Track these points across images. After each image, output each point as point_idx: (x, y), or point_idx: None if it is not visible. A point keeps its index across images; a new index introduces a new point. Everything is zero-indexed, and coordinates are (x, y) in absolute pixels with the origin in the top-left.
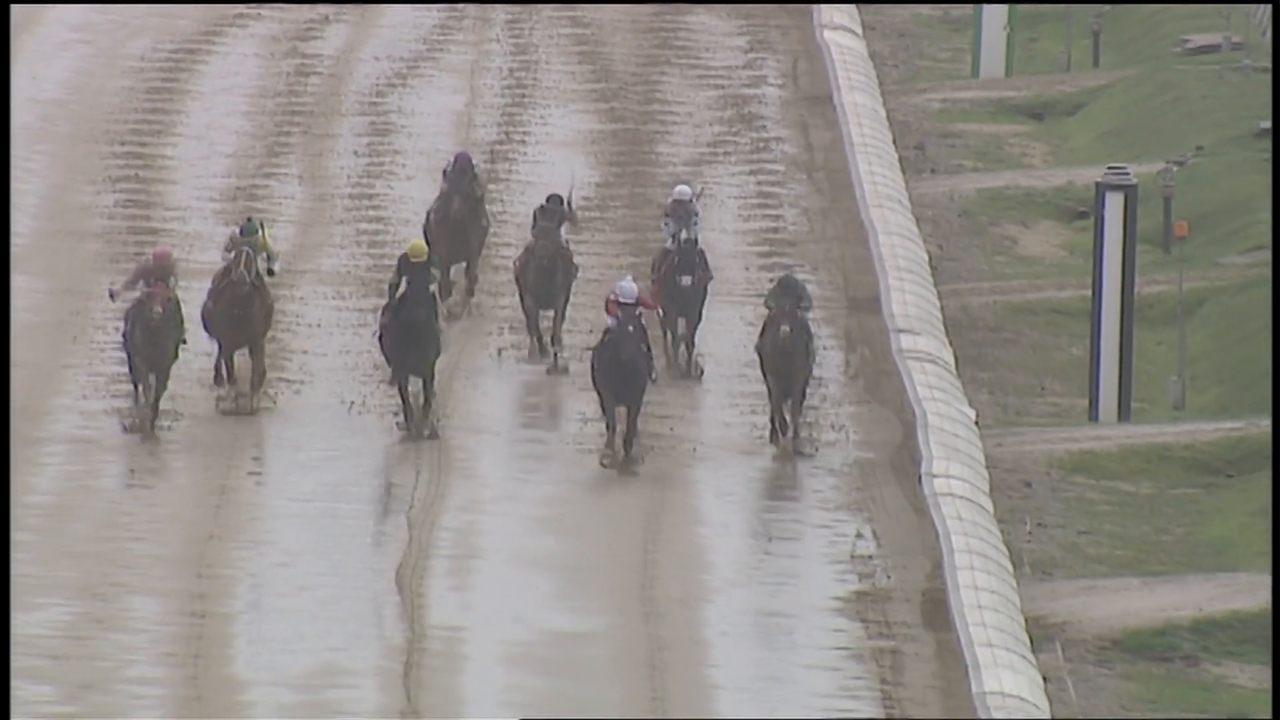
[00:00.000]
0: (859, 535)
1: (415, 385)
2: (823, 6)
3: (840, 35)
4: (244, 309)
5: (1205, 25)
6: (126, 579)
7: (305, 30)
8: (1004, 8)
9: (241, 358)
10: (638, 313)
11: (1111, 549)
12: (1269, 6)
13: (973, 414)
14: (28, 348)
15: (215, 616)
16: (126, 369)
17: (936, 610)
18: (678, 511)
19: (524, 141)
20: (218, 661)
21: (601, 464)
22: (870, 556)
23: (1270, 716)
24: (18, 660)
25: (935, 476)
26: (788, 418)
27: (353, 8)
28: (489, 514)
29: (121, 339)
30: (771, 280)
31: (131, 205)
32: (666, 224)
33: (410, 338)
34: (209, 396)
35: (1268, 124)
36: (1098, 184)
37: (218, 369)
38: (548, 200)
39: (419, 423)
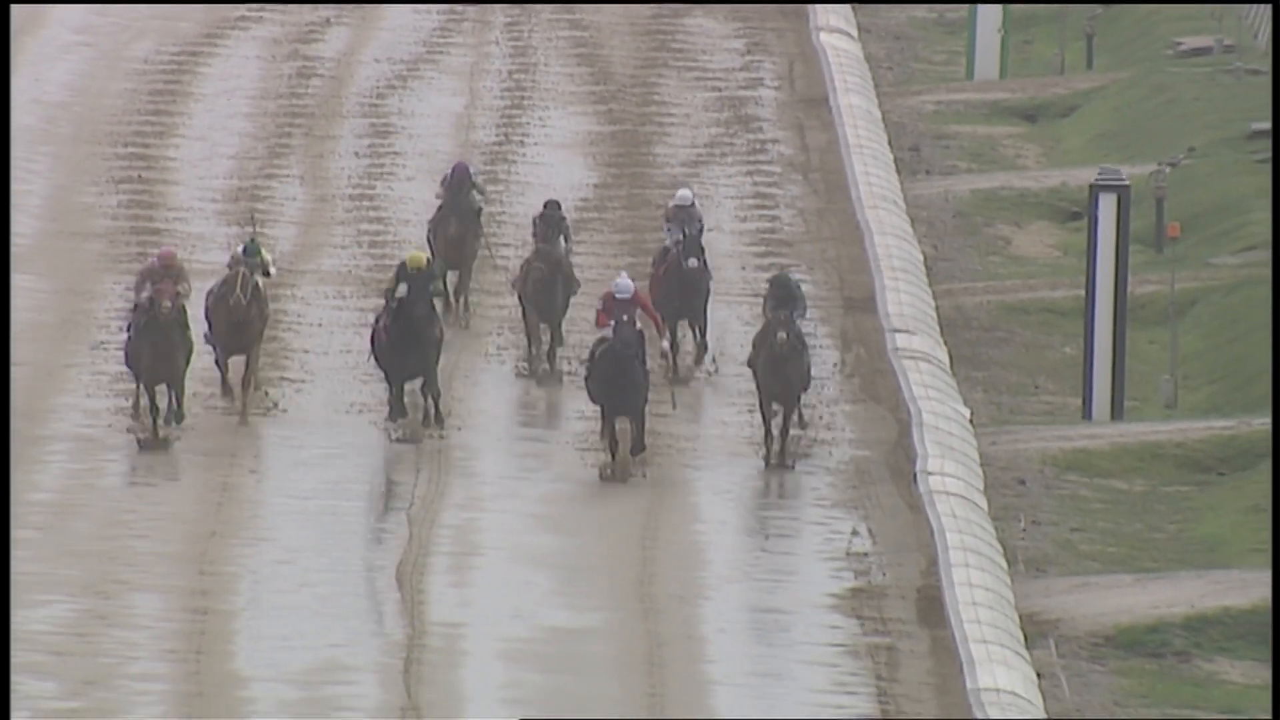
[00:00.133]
0: (855, 533)
1: (410, 386)
2: (818, 9)
3: (836, 38)
4: (241, 316)
5: (1198, 28)
6: (129, 576)
7: (306, 33)
8: (998, 10)
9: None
10: (634, 314)
11: (1104, 546)
12: (1266, 8)
13: (967, 412)
14: (31, 347)
15: (217, 613)
16: (131, 375)
17: (931, 607)
18: (675, 509)
19: (523, 143)
20: (219, 658)
21: (601, 477)
22: (866, 554)
23: (1270, 715)
24: (21, 656)
25: (930, 474)
26: (774, 432)
27: (353, 10)
28: (488, 511)
29: (126, 348)
30: (767, 280)
31: (134, 206)
32: (669, 229)
33: (410, 339)
34: (209, 395)
35: (1260, 125)
36: (1091, 185)
37: (224, 388)
38: (545, 206)
39: (419, 426)
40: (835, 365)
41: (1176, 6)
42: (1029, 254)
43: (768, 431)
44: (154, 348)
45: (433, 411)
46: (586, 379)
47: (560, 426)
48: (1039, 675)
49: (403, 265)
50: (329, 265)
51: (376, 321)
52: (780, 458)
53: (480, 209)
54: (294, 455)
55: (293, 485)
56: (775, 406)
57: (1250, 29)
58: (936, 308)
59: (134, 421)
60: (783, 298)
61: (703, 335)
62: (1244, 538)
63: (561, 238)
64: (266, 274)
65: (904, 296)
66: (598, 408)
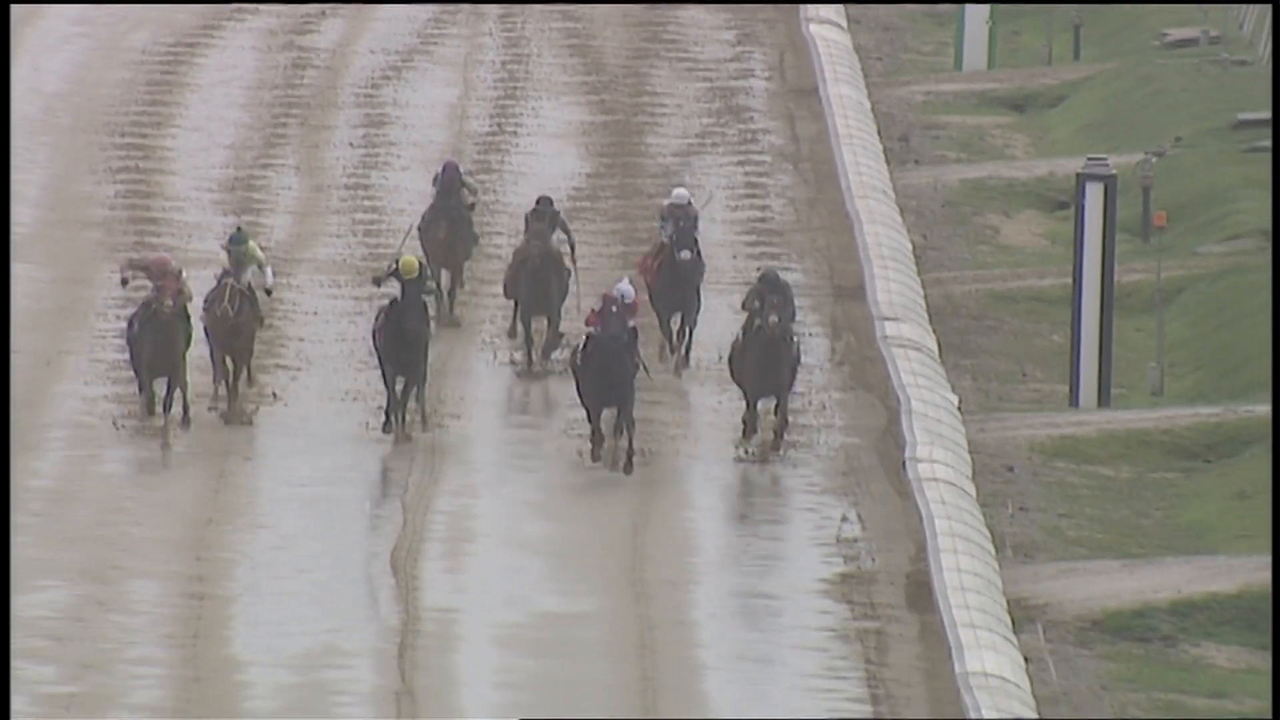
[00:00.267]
0: (844, 519)
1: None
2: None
3: (826, 29)
4: (232, 324)
5: (1184, 20)
6: (127, 562)
7: (302, 24)
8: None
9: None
10: (629, 318)
11: (1092, 532)
12: (1265, 6)
13: (956, 400)
14: (30, 334)
15: (214, 599)
16: (133, 373)
17: (920, 592)
18: (667, 496)
19: (516, 133)
20: (216, 643)
21: (593, 458)
22: (855, 540)
23: (1269, 710)
24: (21, 641)
25: (919, 461)
26: (756, 423)
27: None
28: (482, 498)
29: (128, 343)
30: (758, 269)
31: (131, 195)
32: (664, 226)
33: (401, 344)
34: (206, 384)
35: (1246, 116)
36: (1078, 175)
37: (216, 379)
38: (538, 202)
39: (408, 426)
40: (825, 353)
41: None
42: (1017, 243)
43: (750, 425)
44: (154, 344)
45: (419, 415)
46: (576, 372)
47: (553, 414)
48: (1026, 660)
49: (395, 266)
50: (324, 254)
51: (375, 321)
52: (767, 448)
53: (473, 204)
54: (290, 443)
55: (289, 472)
56: (766, 397)
57: (1235, 20)
58: (925, 296)
59: (138, 418)
60: (771, 291)
61: (690, 332)
62: (1230, 524)
63: (559, 231)
64: (268, 292)
65: (893, 285)
66: (587, 405)
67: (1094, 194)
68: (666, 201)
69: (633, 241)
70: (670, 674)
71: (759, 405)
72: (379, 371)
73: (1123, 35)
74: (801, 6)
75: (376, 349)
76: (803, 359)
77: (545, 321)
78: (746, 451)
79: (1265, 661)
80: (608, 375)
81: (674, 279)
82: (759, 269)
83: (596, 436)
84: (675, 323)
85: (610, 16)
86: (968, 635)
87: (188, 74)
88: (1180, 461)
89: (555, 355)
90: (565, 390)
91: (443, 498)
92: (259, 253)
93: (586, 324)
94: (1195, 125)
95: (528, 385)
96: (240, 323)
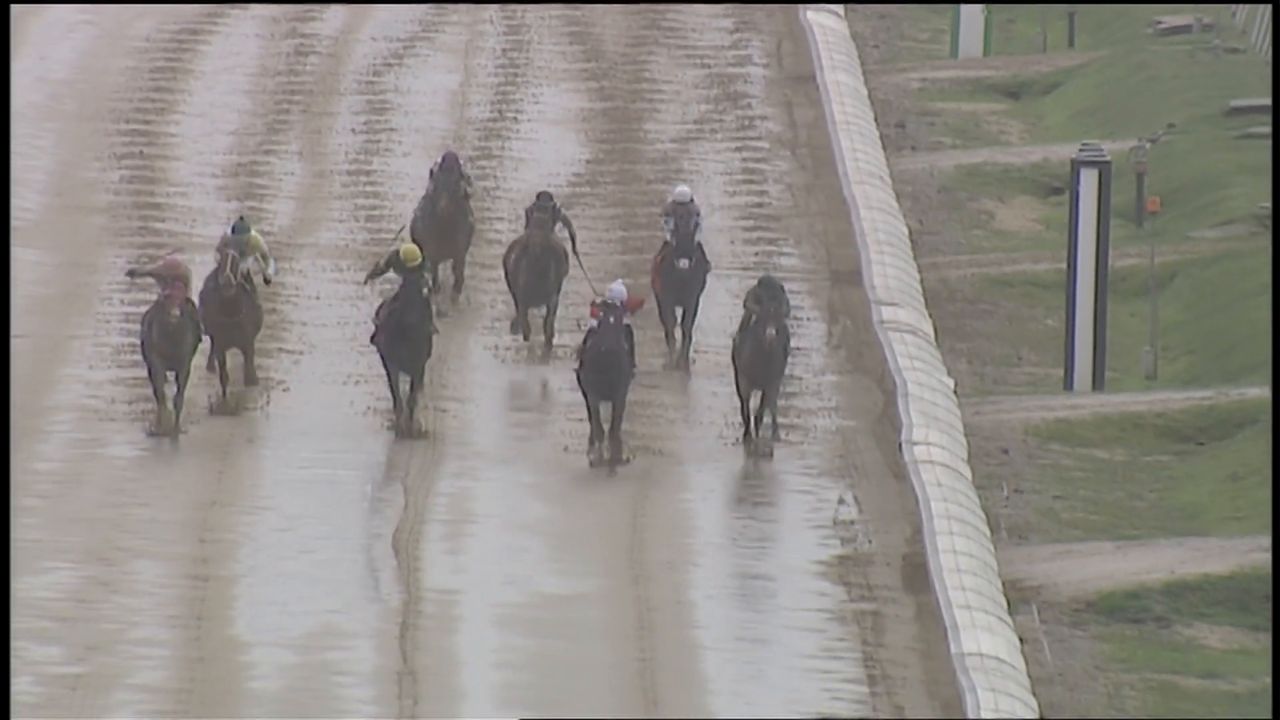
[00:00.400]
0: (841, 501)
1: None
2: None
3: (823, 16)
4: (231, 313)
5: (1177, 7)
6: (131, 544)
7: (304, 12)
8: None
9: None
10: (624, 314)
11: (1086, 514)
12: (1264, 6)
13: (951, 383)
14: (35, 319)
15: (217, 580)
16: (146, 374)
17: (916, 574)
18: (665, 478)
19: (517, 119)
20: (220, 623)
21: (589, 462)
22: (852, 521)
23: (1261, 688)
24: (26, 622)
25: (915, 444)
26: (752, 419)
27: None
28: (482, 480)
29: (140, 344)
30: (756, 255)
31: (136, 181)
32: (667, 222)
33: (402, 338)
34: (208, 373)
35: (1238, 102)
36: (1073, 160)
37: (210, 365)
38: (538, 197)
39: (406, 421)
40: (822, 337)
41: None
42: (1012, 228)
43: (748, 421)
44: (164, 353)
45: (414, 403)
46: (578, 371)
47: (553, 398)
48: (1021, 640)
49: (395, 254)
50: (326, 239)
51: (376, 316)
52: (757, 445)
53: (469, 194)
54: (292, 425)
55: (291, 455)
56: (756, 394)
57: (1229, 8)
58: (921, 280)
59: (150, 417)
60: (771, 293)
61: (688, 330)
62: (1222, 505)
63: (559, 226)
64: (267, 280)
65: (889, 270)
66: (585, 400)
67: (1088, 180)
68: (670, 198)
69: (631, 226)
70: (668, 654)
71: (750, 400)
72: (383, 371)
73: (1116, 23)
74: None
75: (378, 346)
76: (790, 351)
77: (544, 310)
78: (746, 449)
79: (1258, 642)
80: (606, 381)
81: (673, 281)
82: (756, 255)
83: (596, 431)
84: (677, 316)
85: (609, 4)
86: (963, 616)
87: (191, 61)
88: (1173, 444)
89: (554, 344)
90: (565, 375)
91: (444, 480)
92: (262, 243)
93: (591, 316)
94: (1188, 112)
95: (528, 369)
96: (241, 314)
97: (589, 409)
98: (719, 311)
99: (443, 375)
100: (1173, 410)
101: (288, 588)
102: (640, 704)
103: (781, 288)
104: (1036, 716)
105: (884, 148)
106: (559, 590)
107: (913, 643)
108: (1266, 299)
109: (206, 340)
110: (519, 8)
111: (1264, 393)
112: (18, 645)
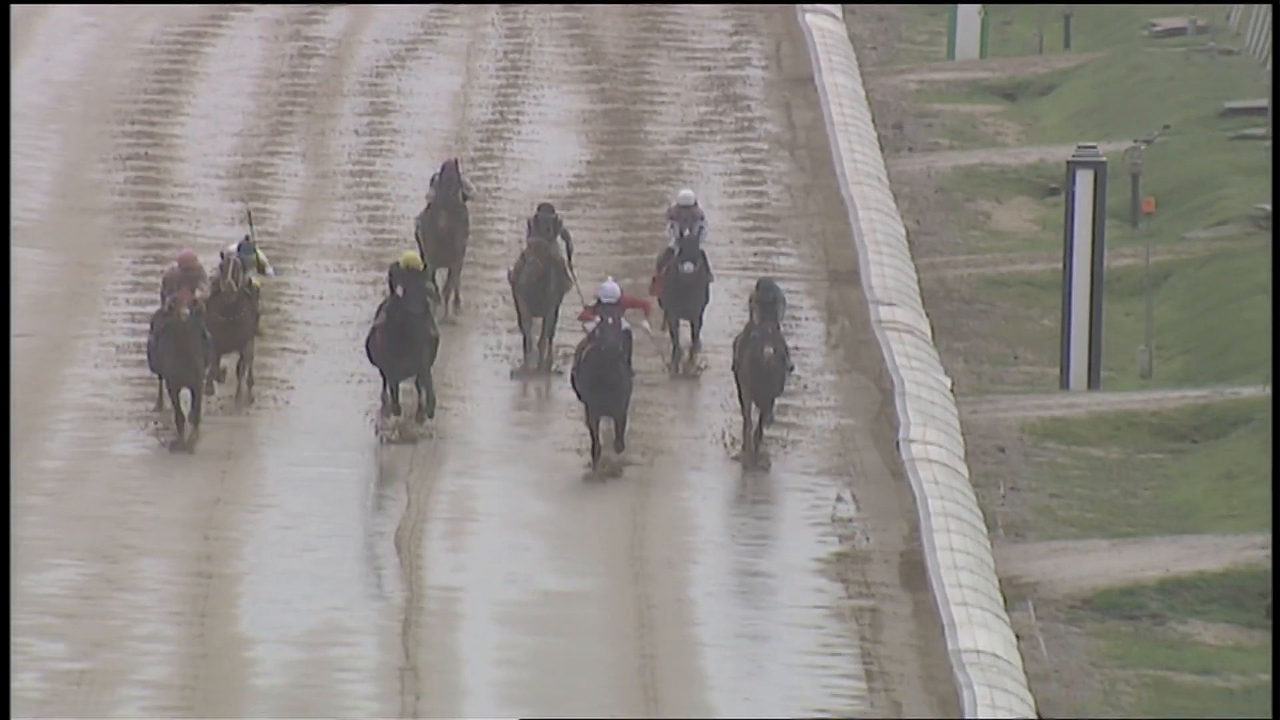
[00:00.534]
0: (839, 499)
1: (406, 384)
2: None
3: (821, 19)
4: (231, 314)
5: (1172, 10)
6: (136, 541)
7: (308, 14)
8: None
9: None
10: (620, 315)
11: (1081, 512)
12: (1264, 6)
13: (948, 382)
14: (41, 319)
15: (221, 577)
16: (156, 379)
17: (914, 571)
18: (665, 476)
19: (518, 121)
20: (224, 620)
21: (585, 479)
22: (850, 519)
23: (1255, 684)
24: (32, 619)
25: (913, 442)
26: (751, 431)
27: None
28: (484, 479)
29: (147, 351)
30: (755, 255)
31: (141, 182)
32: (671, 226)
33: (405, 338)
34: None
35: (1232, 104)
36: (1068, 162)
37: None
38: (539, 209)
39: (408, 424)
40: (821, 337)
41: None
42: (1008, 228)
43: (747, 430)
44: (176, 353)
45: (425, 406)
46: (573, 378)
47: (554, 397)
48: (1018, 637)
49: (396, 265)
50: (330, 239)
51: (376, 318)
52: (755, 458)
53: (468, 197)
54: (295, 424)
55: (295, 453)
56: (754, 408)
57: (1223, 10)
58: (919, 280)
59: (159, 426)
60: (767, 302)
61: (696, 337)
62: (1217, 503)
63: (560, 238)
64: (262, 271)
65: (887, 269)
66: (581, 406)
67: (1084, 180)
68: (674, 203)
69: (631, 227)
70: (668, 651)
71: (750, 409)
72: (379, 374)
73: (1112, 25)
74: None
75: (370, 352)
76: (793, 369)
77: (543, 323)
78: (742, 460)
79: (1252, 639)
80: (603, 384)
81: (678, 289)
82: (755, 255)
83: (595, 447)
84: (683, 328)
85: (610, 7)
86: (960, 613)
87: (196, 63)
88: (1168, 442)
89: (555, 366)
90: (566, 375)
91: (445, 478)
92: (263, 257)
93: (580, 319)
94: (1183, 113)
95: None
96: (242, 314)
97: (587, 422)
98: (719, 311)
99: (445, 371)
100: (1167, 409)
101: (291, 585)
102: (640, 700)
103: (779, 295)
104: (1033, 712)
105: (882, 149)
106: (560, 588)
107: (910, 639)
108: (1260, 299)
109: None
110: (520, 10)
111: (1258, 392)
112: (24, 641)
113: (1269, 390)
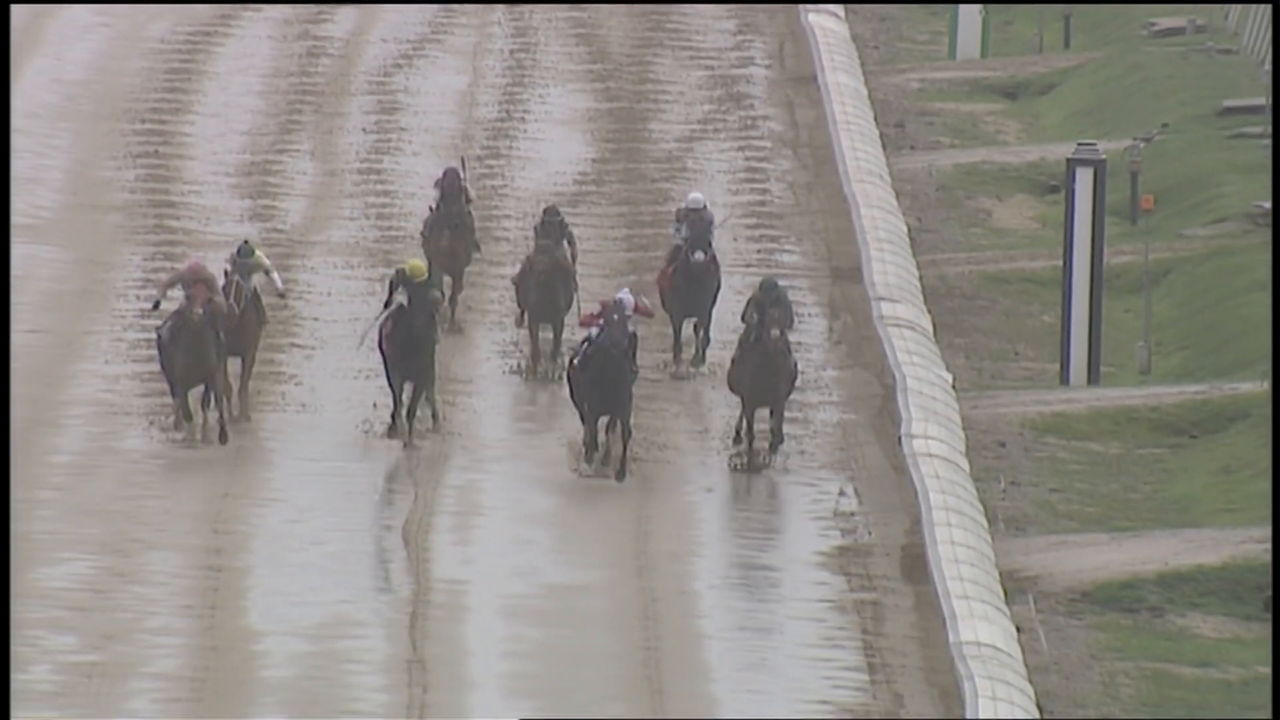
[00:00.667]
0: (841, 493)
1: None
2: None
3: (824, 18)
4: (236, 323)
5: (1171, 9)
6: (146, 535)
7: (316, 14)
8: None
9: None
10: (625, 316)
11: (1081, 506)
12: (1265, 6)
13: (949, 378)
14: (53, 315)
15: (231, 570)
16: (165, 382)
17: (915, 564)
18: (669, 471)
19: (524, 119)
20: (233, 613)
21: (580, 474)
22: (852, 513)
23: (1253, 677)
24: (43, 612)
25: (914, 437)
26: (752, 429)
27: None
28: (490, 473)
29: (159, 351)
30: (758, 252)
31: (151, 180)
32: (678, 229)
33: (410, 346)
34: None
35: (1231, 102)
36: (1068, 160)
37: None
38: (545, 213)
39: (414, 433)
40: (823, 333)
41: None
42: (1009, 226)
43: (745, 434)
44: (187, 352)
45: (430, 412)
46: (572, 376)
47: (559, 393)
48: (1018, 629)
49: (401, 272)
50: (338, 237)
51: (382, 325)
52: (759, 458)
53: (471, 199)
54: (304, 419)
55: (303, 448)
56: (764, 410)
57: (1222, 10)
58: (920, 277)
59: (174, 429)
60: (769, 303)
61: (705, 334)
62: (1215, 498)
63: (565, 242)
64: (281, 295)
65: (889, 266)
66: (583, 411)
67: (1084, 178)
68: (682, 205)
69: (636, 224)
70: (672, 643)
71: (754, 415)
72: (385, 378)
73: (1111, 24)
74: None
75: (383, 354)
76: (800, 371)
77: (551, 330)
78: (738, 464)
79: (1250, 631)
80: (606, 382)
81: (688, 282)
82: (758, 252)
83: (591, 443)
84: (688, 329)
85: (615, 7)
86: (961, 606)
87: (206, 62)
88: (1167, 437)
89: (556, 366)
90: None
91: (452, 472)
92: (265, 260)
93: (582, 324)
94: (1182, 112)
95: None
96: (246, 321)
97: (584, 420)
98: (721, 308)
99: (450, 366)
100: (1166, 404)
101: (299, 578)
102: (645, 692)
103: (784, 292)
104: (1033, 704)
105: (883, 147)
106: (565, 581)
107: (912, 632)
108: (1258, 295)
109: None
110: (526, 10)
111: (1256, 387)
112: (36, 634)
113: (1267, 386)
